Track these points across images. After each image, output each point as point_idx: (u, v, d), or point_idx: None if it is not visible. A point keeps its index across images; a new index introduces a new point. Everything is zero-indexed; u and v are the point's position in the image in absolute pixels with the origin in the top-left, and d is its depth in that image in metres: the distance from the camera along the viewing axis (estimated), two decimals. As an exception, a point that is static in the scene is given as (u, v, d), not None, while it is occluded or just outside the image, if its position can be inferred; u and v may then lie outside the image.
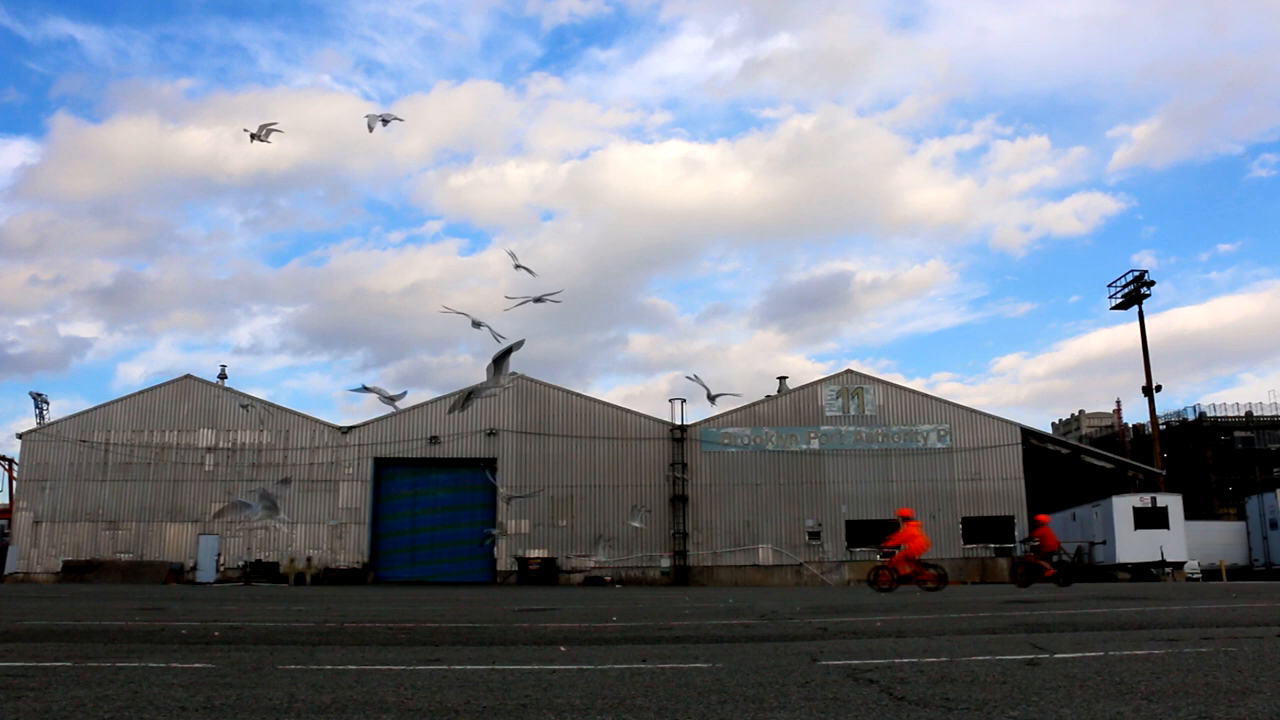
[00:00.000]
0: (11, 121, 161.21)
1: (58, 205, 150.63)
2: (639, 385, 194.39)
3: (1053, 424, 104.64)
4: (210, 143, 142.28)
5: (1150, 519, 41.66)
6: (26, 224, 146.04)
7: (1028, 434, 46.81)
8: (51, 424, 47.77)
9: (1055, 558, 25.30)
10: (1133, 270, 56.01)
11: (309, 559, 43.65)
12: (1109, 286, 57.84)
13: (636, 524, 36.22)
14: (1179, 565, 41.10)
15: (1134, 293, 55.08)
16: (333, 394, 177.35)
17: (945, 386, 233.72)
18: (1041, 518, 28.18)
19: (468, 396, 12.43)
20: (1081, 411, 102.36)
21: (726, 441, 45.74)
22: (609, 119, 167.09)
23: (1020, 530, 44.80)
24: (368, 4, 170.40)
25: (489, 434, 45.50)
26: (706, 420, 46.41)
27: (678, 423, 46.05)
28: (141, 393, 47.08)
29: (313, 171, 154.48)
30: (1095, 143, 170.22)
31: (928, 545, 24.02)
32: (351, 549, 44.23)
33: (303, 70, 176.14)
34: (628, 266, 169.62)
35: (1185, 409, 76.65)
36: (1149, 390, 54.10)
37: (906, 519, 24.00)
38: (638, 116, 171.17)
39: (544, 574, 42.98)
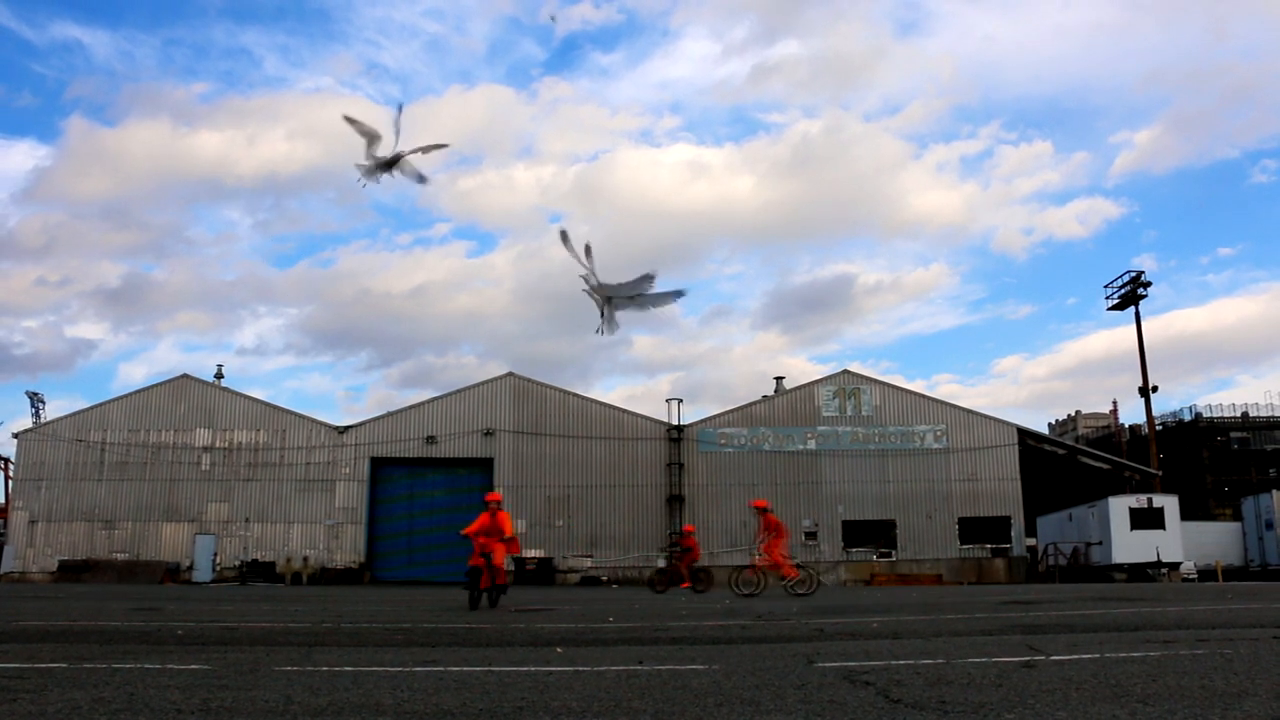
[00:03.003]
0: (25, 125, 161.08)
1: (68, 207, 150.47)
2: (641, 386, 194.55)
3: (1049, 424, 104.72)
4: (221, 146, 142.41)
5: (1146, 520, 41.73)
6: (36, 226, 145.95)
7: (1024, 434, 46.86)
8: (48, 423, 47.69)
9: (696, 567, 25.63)
10: (1129, 271, 56.02)
11: (305, 559, 43.62)
12: (1106, 288, 57.91)
13: None
14: (1175, 566, 41.18)
15: (1130, 294, 55.15)
16: (335, 394, 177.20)
17: (946, 388, 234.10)
18: (688, 528, 28.70)
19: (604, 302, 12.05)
20: (1078, 412, 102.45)
21: (723, 442, 45.76)
22: (618, 123, 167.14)
23: (1017, 530, 44.87)
24: (373, 8, 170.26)
25: (486, 434, 45.49)
26: (703, 421, 46.44)
27: (674, 423, 46.08)
28: (138, 392, 47.01)
29: (323, 174, 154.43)
30: (1097, 148, 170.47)
31: (510, 547, 16.81)
32: (348, 549, 44.20)
33: (308, 74, 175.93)
34: (632, 268, 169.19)
35: (1182, 410, 76.76)
36: (1145, 391, 54.20)
37: (495, 504, 16.76)
38: (646, 121, 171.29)
39: (540, 574, 42.99)
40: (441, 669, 6.32)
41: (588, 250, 12.03)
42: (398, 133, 12.70)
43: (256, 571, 42.99)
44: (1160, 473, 51.51)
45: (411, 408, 46.86)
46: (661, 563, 43.95)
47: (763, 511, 22.15)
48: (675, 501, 44.66)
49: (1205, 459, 72.10)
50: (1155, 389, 54.36)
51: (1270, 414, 75.74)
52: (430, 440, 45.44)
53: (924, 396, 47.53)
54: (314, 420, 46.45)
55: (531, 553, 43.79)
